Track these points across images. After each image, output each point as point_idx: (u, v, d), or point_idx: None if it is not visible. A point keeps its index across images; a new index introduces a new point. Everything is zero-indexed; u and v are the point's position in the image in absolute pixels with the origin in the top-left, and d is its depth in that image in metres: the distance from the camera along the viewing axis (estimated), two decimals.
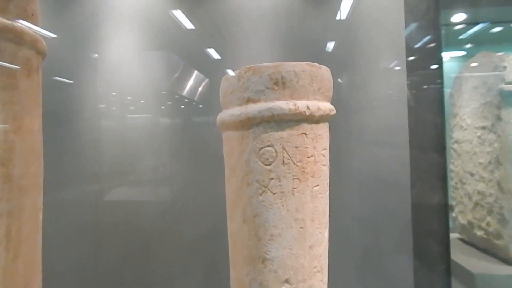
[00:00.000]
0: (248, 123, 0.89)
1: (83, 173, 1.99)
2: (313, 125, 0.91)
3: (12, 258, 0.92)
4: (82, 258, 1.95)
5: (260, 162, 0.88)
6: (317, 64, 0.93)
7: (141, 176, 2.02)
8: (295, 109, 0.86)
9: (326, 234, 0.97)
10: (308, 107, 0.88)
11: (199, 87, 2.03)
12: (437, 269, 1.90)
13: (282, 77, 0.87)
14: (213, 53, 2.01)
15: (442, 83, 1.96)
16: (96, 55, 2.00)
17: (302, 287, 0.88)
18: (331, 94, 1.01)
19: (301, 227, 0.88)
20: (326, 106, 0.94)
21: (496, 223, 2.51)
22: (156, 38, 2.01)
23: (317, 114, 0.90)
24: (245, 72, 0.89)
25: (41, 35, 1.04)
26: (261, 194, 0.88)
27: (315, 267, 0.91)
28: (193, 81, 2.03)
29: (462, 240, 2.90)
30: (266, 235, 0.87)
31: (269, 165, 0.87)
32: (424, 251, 1.89)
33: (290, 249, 0.87)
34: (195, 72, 2.04)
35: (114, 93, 2.01)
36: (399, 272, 1.89)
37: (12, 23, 0.93)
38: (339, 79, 1.93)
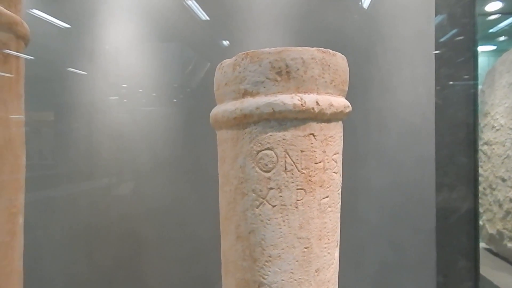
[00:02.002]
0: (244, 121, 0.74)
1: (76, 170, 1.91)
2: (323, 124, 0.75)
3: None
4: (75, 261, 1.88)
5: (257, 168, 0.73)
6: (330, 50, 0.77)
7: (140, 174, 1.92)
8: (302, 105, 0.71)
9: (336, 254, 0.82)
10: (317, 103, 0.72)
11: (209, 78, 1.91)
12: (463, 286, 1.72)
13: (287, 66, 0.72)
14: (226, 43, 1.88)
15: (476, 78, 1.77)
16: (107, 47, 1.90)
17: None
18: (346, 87, 0.84)
19: (305, 247, 0.73)
20: (340, 102, 0.78)
21: None
22: (167, 30, 1.90)
23: (329, 111, 0.74)
24: (242, 59, 0.74)
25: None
26: (257, 207, 0.73)
27: None
28: (205, 74, 1.91)
29: (489, 251, 2.70)
30: (263, 256, 0.73)
31: (268, 172, 0.72)
32: (449, 266, 1.72)
33: (292, 273, 0.73)
34: (208, 65, 1.92)
35: (124, 85, 1.92)
36: None
37: None
38: (357, 73, 1.76)
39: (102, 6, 1.90)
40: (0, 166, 0.93)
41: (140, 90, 1.93)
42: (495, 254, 2.65)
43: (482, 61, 3.03)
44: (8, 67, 0.97)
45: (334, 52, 0.78)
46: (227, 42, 1.87)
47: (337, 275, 0.82)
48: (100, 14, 1.90)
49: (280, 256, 0.72)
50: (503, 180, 2.55)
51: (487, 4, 2.66)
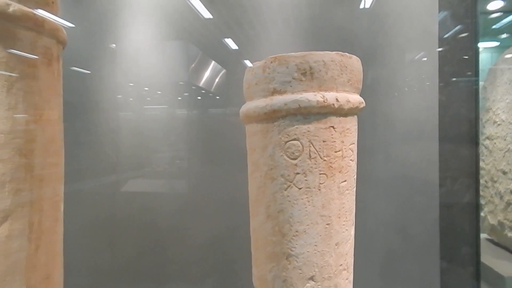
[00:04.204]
0: (274, 116, 0.86)
1: (99, 165, 1.99)
2: (341, 118, 0.87)
3: (34, 249, 0.93)
4: (97, 251, 1.97)
5: (285, 156, 0.85)
6: (347, 53, 0.88)
7: (158, 168, 2.01)
8: (324, 101, 0.83)
9: (352, 232, 0.94)
10: (337, 100, 0.84)
11: (216, 78, 2.00)
12: (465, 271, 1.82)
13: (310, 68, 0.83)
14: (231, 43, 1.97)
15: (477, 75, 1.85)
16: (114, 45, 1.99)
17: (327, 285, 0.85)
18: (361, 85, 0.96)
19: (327, 224, 0.85)
20: (355, 99, 0.90)
21: None
22: (174, 28, 1.97)
23: (346, 107, 0.86)
24: (271, 62, 0.86)
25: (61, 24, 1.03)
26: (286, 189, 0.85)
27: (341, 265, 0.88)
28: (210, 72, 2.01)
29: (491, 241, 2.79)
30: (290, 231, 0.85)
31: (295, 159, 0.84)
32: (451, 253, 1.81)
33: (316, 246, 0.85)
34: (213, 63, 2.01)
35: (131, 84, 2.02)
36: (425, 274, 1.82)
37: (33, 11, 0.92)
38: (365, 70, 1.84)
39: (121, 8, 1.99)
40: (46, 159, 1.04)
41: (159, 92, 2.02)
42: (497, 244, 2.73)
43: (485, 57, 3.09)
44: (51, 69, 1.08)
45: (350, 55, 0.90)
46: (240, 45, 1.96)
47: (353, 249, 0.95)
48: (120, 16, 1.99)
49: (305, 231, 0.84)
50: (504, 173, 2.64)
51: (489, 2, 2.73)
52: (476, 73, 1.86)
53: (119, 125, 2.03)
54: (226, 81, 1.97)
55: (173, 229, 1.96)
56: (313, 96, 0.83)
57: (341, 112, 0.86)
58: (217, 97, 2.05)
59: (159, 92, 2.02)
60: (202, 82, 2.03)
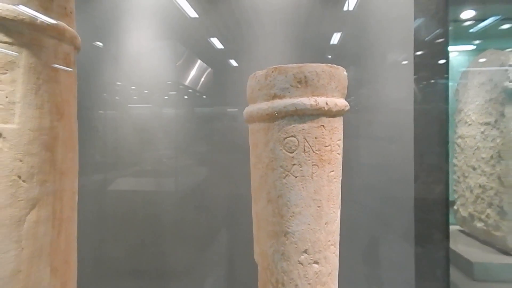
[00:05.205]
0: (274, 116, 1.02)
1: (89, 163, 2.05)
2: (330, 118, 1.04)
3: (56, 235, 1.05)
4: (96, 248, 2.04)
5: (284, 150, 1.02)
6: (335, 65, 1.06)
7: (148, 166, 2.07)
8: (316, 104, 1.00)
9: (339, 213, 1.12)
10: (326, 103, 1.01)
11: (202, 77, 2.05)
12: (436, 257, 1.97)
13: (305, 77, 1.01)
14: (217, 42, 2.04)
15: (447, 78, 2.01)
16: (101, 44, 2.05)
17: (318, 257, 1.03)
18: (346, 91, 1.14)
19: (318, 206, 1.03)
20: (342, 102, 1.08)
21: (495, 215, 2.62)
22: (163, 28, 2.02)
23: (334, 109, 1.04)
24: (272, 72, 1.03)
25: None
26: (284, 178, 1.02)
27: (329, 241, 1.06)
28: (196, 71, 2.05)
29: (463, 232, 3.02)
30: (288, 212, 1.02)
31: (292, 152, 1.01)
32: (425, 240, 1.97)
33: (309, 224, 1.02)
34: (199, 62, 2.06)
35: (118, 83, 2.05)
36: (401, 259, 1.98)
37: (56, 21, 1.03)
38: (345, 73, 1.98)
39: (112, 10, 2.04)
40: (66, 153, 1.15)
41: (146, 91, 2.05)
42: (468, 235, 2.95)
43: (462, 60, 3.31)
44: (70, 73, 1.20)
45: (338, 66, 1.07)
46: (225, 44, 2.02)
47: (339, 228, 1.13)
48: (123, 19, 2.06)
49: (300, 212, 1.02)
50: (474, 168, 2.87)
51: (461, 12, 2.96)
52: (447, 77, 2.02)
53: (107, 124, 2.07)
54: (212, 80, 2.05)
55: (174, 221, 2.04)
56: (308, 100, 1.00)
57: (330, 113, 1.04)
58: (204, 96, 2.13)
59: (146, 91, 2.09)
60: (188, 81, 2.10)
